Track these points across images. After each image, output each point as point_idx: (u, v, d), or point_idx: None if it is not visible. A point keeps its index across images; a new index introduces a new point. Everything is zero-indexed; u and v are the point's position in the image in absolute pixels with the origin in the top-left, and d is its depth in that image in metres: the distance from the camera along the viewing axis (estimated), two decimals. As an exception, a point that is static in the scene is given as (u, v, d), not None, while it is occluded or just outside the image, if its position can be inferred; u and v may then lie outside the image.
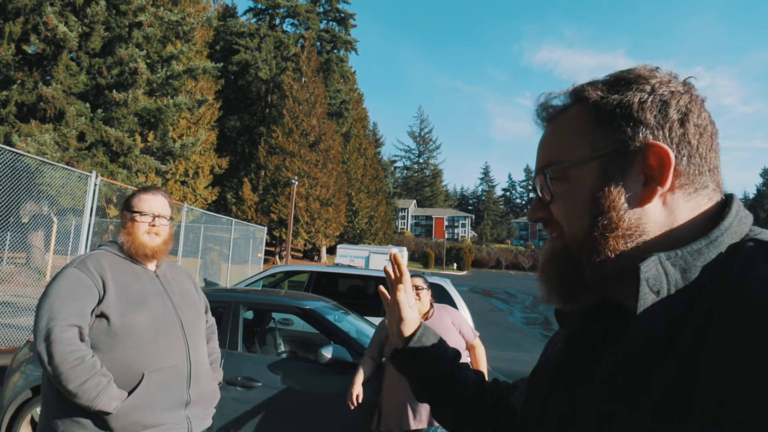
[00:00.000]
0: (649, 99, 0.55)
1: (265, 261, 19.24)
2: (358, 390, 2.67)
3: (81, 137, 14.76)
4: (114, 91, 15.37)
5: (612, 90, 0.57)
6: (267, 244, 24.06)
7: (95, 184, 6.68)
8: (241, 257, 15.17)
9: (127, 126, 16.07)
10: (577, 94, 0.60)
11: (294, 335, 4.80)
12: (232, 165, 30.59)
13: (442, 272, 41.90)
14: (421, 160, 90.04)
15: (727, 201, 0.56)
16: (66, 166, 7.35)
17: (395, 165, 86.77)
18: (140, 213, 1.72)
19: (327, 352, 2.95)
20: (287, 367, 3.11)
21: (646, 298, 0.48)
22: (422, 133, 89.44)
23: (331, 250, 38.58)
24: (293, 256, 35.42)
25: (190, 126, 22.63)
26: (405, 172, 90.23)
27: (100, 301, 1.56)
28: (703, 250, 0.51)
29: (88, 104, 14.94)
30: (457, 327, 2.87)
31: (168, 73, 17.44)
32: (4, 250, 11.53)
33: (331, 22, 39.88)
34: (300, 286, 6.83)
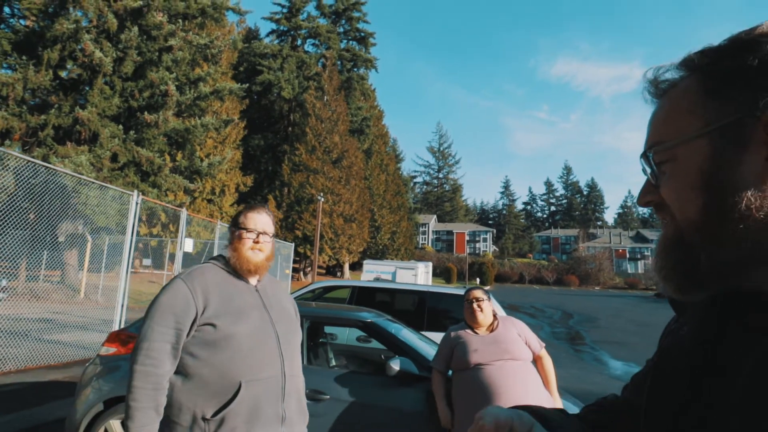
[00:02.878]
0: None
1: (291, 278, 19.29)
2: (447, 411, 2.60)
3: (114, 158, 15.14)
4: (145, 112, 15.77)
5: (725, 54, 0.50)
6: (293, 261, 24.18)
7: (137, 203, 6.77)
8: (271, 273, 15.23)
9: (157, 146, 16.44)
10: (688, 64, 0.54)
11: (341, 349, 4.75)
12: (257, 183, 31.01)
13: (468, 287, 41.35)
14: (440, 176, 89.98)
15: None
16: (108, 185, 7.50)
17: (415, 180, 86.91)
18: (246, 230, 1.76)
19: (395, 365, 2.86)
20: (352, 379, 3.03)
21: None
22: (441, 149, 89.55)
23: (354, 266, 38.56)
24: (317, 273, 35.50)
25: (216, 145, 23.05)
26: (425, 187, 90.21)
27: (201, 314, 1.60)
28: None
29: (120, 126, 15.36)
30: (524, 338, 2.77)
31: (196, 95, 17.87)
32: (40, 268, 11.79)
33: (351, 42, 40.52)
34: (339, 301, 6.79)
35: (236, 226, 1.78)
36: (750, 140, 0.48)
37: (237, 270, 1.74)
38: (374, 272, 19.00)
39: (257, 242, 1.75)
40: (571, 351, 11.55)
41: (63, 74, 15.06)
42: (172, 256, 18.84)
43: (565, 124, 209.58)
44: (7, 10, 16.84)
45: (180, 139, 17.84)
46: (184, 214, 8.69)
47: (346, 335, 5.58)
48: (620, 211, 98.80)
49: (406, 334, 3.70)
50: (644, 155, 0.56)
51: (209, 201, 23.24)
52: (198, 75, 18.16)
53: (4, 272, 7.65)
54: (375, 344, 4.72)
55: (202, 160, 19.25)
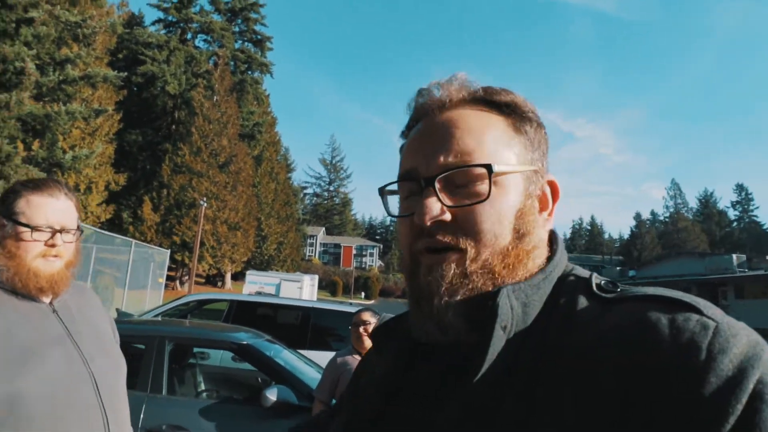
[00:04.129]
0: (545, 134, 0.58)
1: (165, 287, 17.66)
2: None
3: (-54, 140, 12.72)
4: (-6, 91, 13.53)
5: (529, 109, 0.57)
6: (168, 269, 22.24)
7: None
8: (140, 282, 13.80)
9: (8, 131, 14.14)
10: (492, 98, 0.56)
11: (213, 372, 4.35)
12: (131, 182, 28.18)
13: (351, 301, 41.66)
14: (331, 188, 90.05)
15: (552, 237, 0.58)
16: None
17: (305, 191, 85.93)
18: (30, 227, 1.15)
19: (272, 395, 2.63)
20: (222, 411, 2.75)
21: (498, 335, 0.47)
22: (333, 162, 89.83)
23: (236, 276, 36.70)
24: (196, 282, 33.12)
25: (84, 137, 20.58)
26: (315, 199, 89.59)
27: None
28: (541, 285, 0.52)
29: (-40, 104, 12.98)
30: None
31: (61, 78, 15.81)
32: None
33: (246, 43, 39.07)
34: (216, 315, 6.30)
35: (11, 218, 1.15)
36: (538, 189, 0.56)
37: (16, 288, 1.15)
38: (258, 283, 18.27)
39: (52, 245, 1.17)
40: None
41: None
42: None
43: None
44: None
45: (38, 126, 15.56)
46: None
47: (220, 355, 5.14)
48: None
49: (287, 357, 3.50)
50: (487, 167, 0.51)
51: (70, 198, 20.57)
52: (66, 56, 16.09)
53: None
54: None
55: (65, 152, 16.98)
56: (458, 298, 0.50)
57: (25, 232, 1.14)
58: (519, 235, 0.52)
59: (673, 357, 0.40)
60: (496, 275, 0.51)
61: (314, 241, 78.45)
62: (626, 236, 77.53)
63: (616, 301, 0.48)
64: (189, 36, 35.41)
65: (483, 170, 0.51)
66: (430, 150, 0.54)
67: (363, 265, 78.06)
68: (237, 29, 38.42)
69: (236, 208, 29.07)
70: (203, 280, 35.36)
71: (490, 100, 0.56)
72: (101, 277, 12.68)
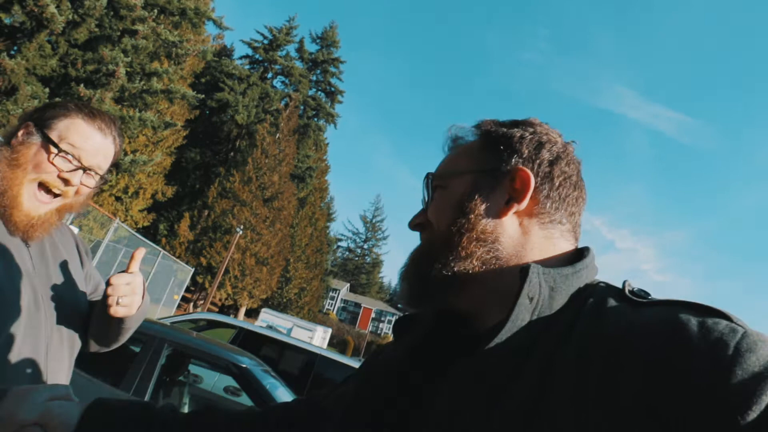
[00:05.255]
0: (528, 137, 0.65)
1: (178, 306, 17.47)
2: None
3: (26, 119, 13.52)
4: (81, 85, 14.45)
5: (503, 126, 0.68)
6: (186, 290, 22.20)
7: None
8: (156, 295, 13.67)
9: (82, 124, 14.99)
10: (477, 127, 0.70)
11: (202, 395, 3.96)
12: (177, 196, 29.07)
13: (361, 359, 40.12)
14: (365, 246, 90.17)
15: (585, 249, 0.64)
16: None
17: (339, 244, 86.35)
18: (59, 150, 0.96)
19: None
20: None
21: (523, 302, 0.51)
22: (373, 221, 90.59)
23: (250, 313, 36.28)
24: (209, 309, 32.96)
25: (148, 144, 21.56)
26: (347, 253, 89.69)
27: None
28: (570, 277, 0.56)
29: (47, 90, 13.88)
30: None
31: (145, 87, 16.82)
32: None
33: (320, 92, 41.17)
34: (223, 340, 5.98)
35: (41, 129, 0.97)
36: (500, 185, 0.63)
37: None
38: (270, 323, 17.88)
39: (66, 181, 0.97)
40: None
41: (5, 19, 13.61)
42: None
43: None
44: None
45: (110, 125, 16.48)
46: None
47: (214, 381, 4.75)
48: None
49: (282, 394, 3.09)
50: (426, 177, 0.69)
51: (117, 198, 21.25)
52: (155, 69, 17.22)
53: None
54: (245, 399, 3.98)
55: (126, 154, 17.79)
56: (410, 265, 0.66)
57: (46, 152, 0.95)
58: (458, 222, 0.61)
59: (701, 353, 0.41)
60: (434, 252, 0.62)
61: (336, 296, 77.68)
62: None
63: (648, 304, 0.51)
64: (269, 75, 37.70)
65: (428, 180, 0.70)
66: None
67: (378, 331, 76.11)
68: (314, 78, 40.68)
69: (269, 244, 29.22)
70: (217, 309, 35.14)
71: (477, 132, 0.71)
72: (123, 278, 12.65)
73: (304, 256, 39.20)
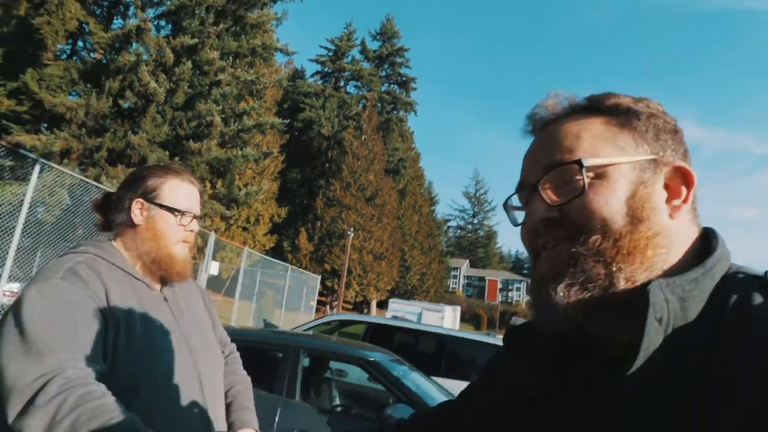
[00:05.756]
0: (672, 122, 0.57)
1: (316, 310, 19.27)
2: None
3: (158, 182, 15.83)
4: (191, 141, 16.57)
5: (633, 103, 0.57)
6: (319, 294, 24.24)
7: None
8: (294, 304, 15.27)
9: (200, 173, 17.15)
10: (594, 103, 0.58)
11: (349, 388, 4.58)
12: (291, 215, 31.62)
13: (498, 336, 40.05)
14: (475, 221, 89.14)
15: (709, 233, 0.56)
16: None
17: (449, 224, 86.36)
18: (177, 211, 1.14)
19: (393, 412, 2.72)
20: (349, 424, 2.91)
21: (652, 326, 0.45)
22: (477, 194, 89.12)
23: (381, 305, 38.15)
24: (343, 308, 35.32)
25: (255, 176, 23.82)
26: (459, 231, 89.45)
27: (111, 333, 0.99)
28: (700, 279, 0.49)
29: (167, 152, 16.17)
30: None
31: (239, 127, 18.68)
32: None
33: (392, 85, 41.68)
34: (354, 337, 6.69)
35: (153, 202, 1.13)
36: (660, 178, 0.54)
37: (154, 269, 1.13)
38: (399, 311, 18.73)
39: (191, 231, 1.18)
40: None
41: (124, 104, 16.11)
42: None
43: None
44: (80, 43, 18.33)
45: (221, 168, 18.55)
46: (212, 237, 8.93)
47: (358, 373, 5.44)
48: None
49: (415, 379, 3.53)
50: (567, 166, 0.54)
51: (244, 229, 23.82)
52: (243, 109, 19.04)
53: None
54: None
55: (240, 189, 19.88)
56: (567, 280, 0.50)
57: (171, 217, 1.14)
58: (632, 220, 0.51)
59: None
60: (608, 259, 0.50)
61: (458, 274, 77.94)
62: None
63: None
64: (342, 84, 39.13)
65: (576, 166, 0.53)
66: (533, 161, 0.59)
67: (509, 300, 74.93)
68: (384, 73, 41.31)
69: (381, 239, 30.53)
70: (351, 306, 37.49)
71: (590, 107, 0.58)
72: (264, 297, 14.36)
73: (416, 243, 40.14)
